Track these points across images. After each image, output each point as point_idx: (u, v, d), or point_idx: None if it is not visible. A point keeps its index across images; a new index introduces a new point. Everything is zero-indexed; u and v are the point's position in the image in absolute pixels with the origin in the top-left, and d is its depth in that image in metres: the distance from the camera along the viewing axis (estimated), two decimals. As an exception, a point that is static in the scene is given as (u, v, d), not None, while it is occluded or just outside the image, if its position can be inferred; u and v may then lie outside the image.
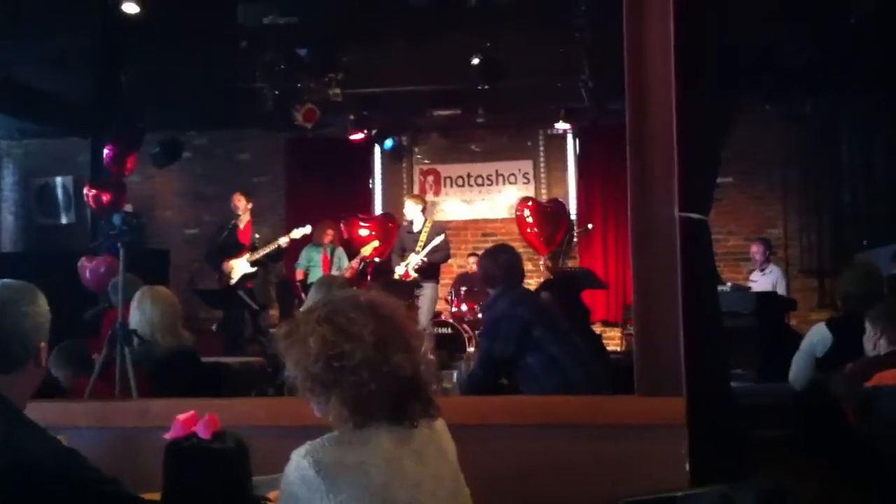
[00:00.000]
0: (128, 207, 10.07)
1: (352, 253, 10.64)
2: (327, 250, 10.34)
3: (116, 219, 4.95)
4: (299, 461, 2.10)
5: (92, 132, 10.79)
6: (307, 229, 9.87)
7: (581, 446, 3.33)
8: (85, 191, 10.76)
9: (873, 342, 4.51)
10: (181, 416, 2.36)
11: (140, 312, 4.73)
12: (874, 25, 8.03)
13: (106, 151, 10.41)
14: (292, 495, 2.11)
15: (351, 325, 2.19)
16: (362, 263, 10.34)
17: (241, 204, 9.93)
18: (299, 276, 10.36)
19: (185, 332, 4.89)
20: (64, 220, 12.61)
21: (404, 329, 2.26)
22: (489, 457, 3.05)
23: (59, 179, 12.59)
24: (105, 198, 10.37)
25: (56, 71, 9.45)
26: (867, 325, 4.56)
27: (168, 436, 2.37)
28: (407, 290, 9.20)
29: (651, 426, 3.29)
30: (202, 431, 2.33)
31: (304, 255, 10.29)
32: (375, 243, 10.55)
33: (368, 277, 10.66)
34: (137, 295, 4.82)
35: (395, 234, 11.46)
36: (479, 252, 11.50)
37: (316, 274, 10.15)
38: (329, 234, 10.45)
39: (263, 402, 3.56)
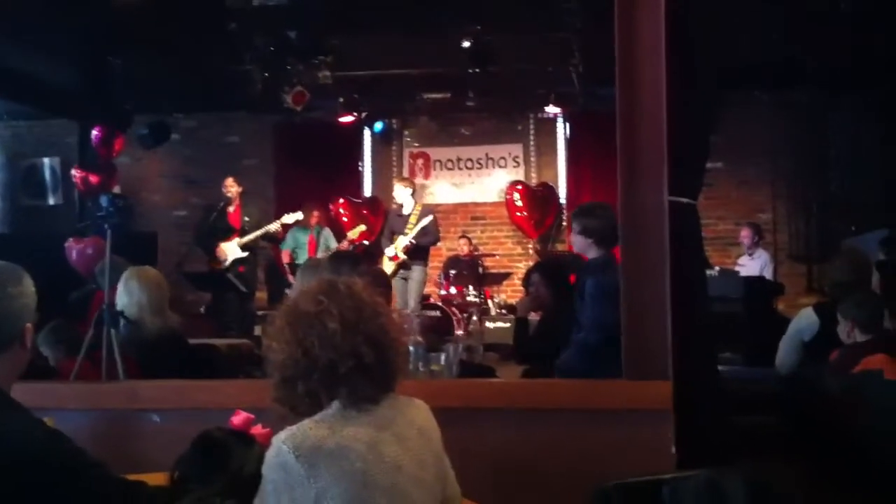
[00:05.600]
0: (116, 189, 10.04)
1: (340, 235, 10.63)
2: (314, 232, 10.32)
3: (104, 200, 4.92)
4: (279, 447, 2.11)
5: (80, 114, 10.74)
6: (299, 215, 9.87)
7: (568, 430, 3.34)
8: (73, 172, 10.72)
9: (847, 332, 4.59)
10: (243, 414, 2.49)
11: (127, 293, 4.70)
12: (865, 17, 8.04)
13: (94, 133, 10.38)
14: (273, 480, 2.11)
15: (279, 342, 2.25)
16: (351, 246, 10.33)
17: (233, 189, 9.93)
18: (286, 258, 10.34)
19: (172, 313, 4.88)
20: (51, 202, 12.55)
21: (319, 346, 2.21)
22: (476, 440, 3.06)
23: (46, 160, 12.53)
24: (93, 179, 10.34)
25: (44, 53, 9.38)
26: (839, 317, 4.62)
27: (234, 423, 2.47)
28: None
29: (638, 410, 3.30)
30: (262, 440, 2.41)
31: (291, 236, 10.28)
32: (362, 227, 10.56)
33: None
34: (125, 275, 4.78)
35: (379, 219, 11.49)
36: (469, 235, 11.60)
37: (303, 256, 10.15)
38: (315, 216, 10.44)
39: (251, 384, 3.55)
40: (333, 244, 10.33)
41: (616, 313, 4.52)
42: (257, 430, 2.47)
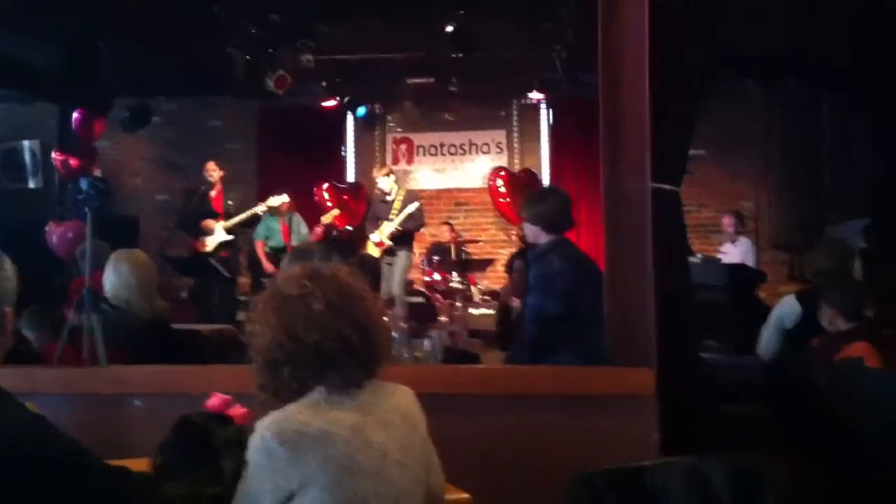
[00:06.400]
0: (96, 173, 9.97)
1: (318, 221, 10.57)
2: (285, 218, 10.25)
3: (84, 183, 4.86)
4: (263, 433, 2.11)
5: (60, 97, 10.65)
6: (284, 197, 9.82)
7: (551, 416, 3.35)
8: (53, 155, 10.64)
9: (829, 320, 4.61)
10: (220, 395, 2.50)
11: (116, 275, 4.63)
12: (856, 9, 8.05)
13: (74, 116, 10.30)
14: (256, 466, 2.11)
15: (263, 325, 2.25)
16: (333, 231, 10.31)
17: (215, 173, 9.87)
18: (259, 246, 10.26)
19: (159, 299, 4.85)
20: (31, 185, 12.42)
21: (304, 329, 2.22)
22: (460, 426, 3.06)
23: (26, 144, 12.38)
24: (73, 163, 10.26)
25: (24, 35, 9.29)
26: (822, 305, 4.65)
27: (209, 405, 2.46)
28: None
29: (621, 396, 3.31)
30: (241, 421, 2.44)
31: (263, 224, 10.18)
32: (335, 211, 10.54)
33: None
34: (114, 258, 4.71)
35: (360, 204, 11.47)
36: (452, 221, 11.60)
37: (276, 242, 10.09)
38: (286, 203, 10.35)
39: (234, 369, 3.54)
40: (305, 230, 10.28)
41: (556, 302, 4.54)
42: (235, 410, 2.46)
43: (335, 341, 2.20)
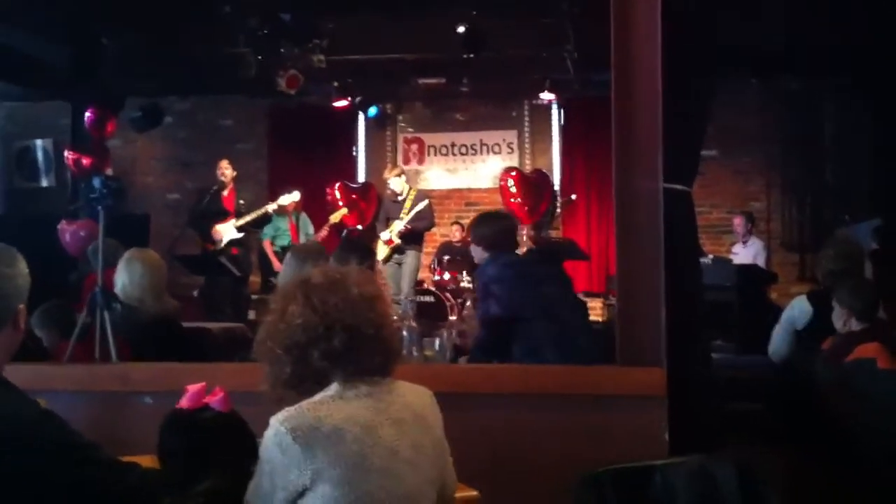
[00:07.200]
0: (108, 171, 9.99)
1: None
2: (293, 217, 10.24)
3: (96, 182, 4.89)
4: (277, 427, 2.12)
5: (73, 95, 10.68)
6: (295, 196, 9.80)
7: (561, 415, 3.35)
8: (66, 154, 10.68)
9: (843, 320, 4.58)
10: (192, 387, 2.44)
11: (129, 273, 4.66)
12: (861, 6, 8.03)
13: (87, 115, 10.33)
14: (269, 461, 2.13)
15: (296, 307, 2.28)
16: (342, 231, 10.31)
17: (228, 172, 9.88)
18: (267, 245, 10.26)
19: (169, 298, 4.88)
20: (44, 183, 12.50)
21: (339, 310, 2.25)
22: (469, 425, 3.05)
23: (39, 142, 12.46)
24: (85, 161, 10.29)
25: (37, 33, 9.32)
26: (835, 305, 4.63)
27: (182, 405, 2.42)
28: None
29: (631, 396, 3.31)
30: (219, 405, 2.41)
31: (270, 224, 10.18)
32: (344, 210, 10.52)
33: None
34: (126, 256, 4.75)
35: (370, 204, 11.46)
36: (463, 221, 11.59)
37: (284, 241, 10.09)
38: (293, 202, 10.32)
39: (244, 367, 3.54)
40: (311, 229, 10.29)
41: (496, 306, 4.74)
42: (212, 396, 2.44)
43: (369, 327, 2.25)
